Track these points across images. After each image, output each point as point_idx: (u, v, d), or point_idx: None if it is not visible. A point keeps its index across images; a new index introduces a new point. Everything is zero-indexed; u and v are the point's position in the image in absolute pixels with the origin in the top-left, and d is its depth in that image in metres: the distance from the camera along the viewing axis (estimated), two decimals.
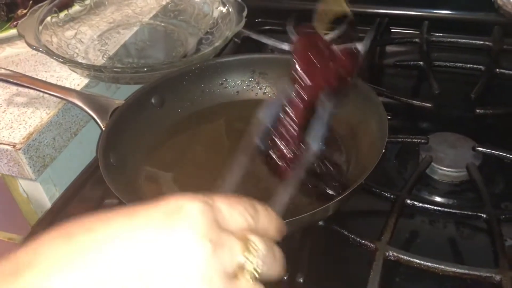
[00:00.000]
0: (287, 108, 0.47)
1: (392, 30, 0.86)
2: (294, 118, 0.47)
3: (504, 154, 0.58)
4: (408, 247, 0.53)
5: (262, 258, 0.28)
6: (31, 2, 0.81)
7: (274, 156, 0.48)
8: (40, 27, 0.75)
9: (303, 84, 0.47)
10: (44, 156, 0.67)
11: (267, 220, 0.30)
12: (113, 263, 0.25)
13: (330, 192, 0.50)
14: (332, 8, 0.57)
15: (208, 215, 0.27)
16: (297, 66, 0.47)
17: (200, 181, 0.55)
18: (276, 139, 0.47)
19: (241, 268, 0.27)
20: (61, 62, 0.70)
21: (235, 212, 0.29)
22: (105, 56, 0.78)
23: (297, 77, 0.47)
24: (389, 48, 0.85)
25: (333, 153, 0.52)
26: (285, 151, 0.47)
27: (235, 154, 0.43)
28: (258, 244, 0.28)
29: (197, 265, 0.26)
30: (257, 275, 0.27)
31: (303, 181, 0.46)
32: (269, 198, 0.38)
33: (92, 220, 0.27)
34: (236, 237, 0.28)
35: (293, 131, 0.46)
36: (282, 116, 0.47)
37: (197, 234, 0.26)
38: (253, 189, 0.51)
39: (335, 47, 0.49)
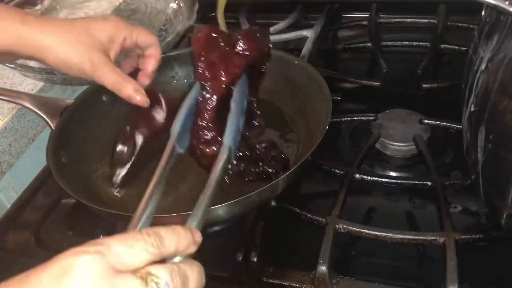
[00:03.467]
0: (199, 108, 0.48)
1: (343, 15, 0.87)
2: (205, 118, 0.48)
3: (449, 124, 0.60)
4: (366, 222, 0.54)
5: (166, 285, 0.29)
6: None
7: (200, 156, 0.49)
8: None
9: (207, 82, 0.48)
10: (0, 163, 0.66)
11: (175, 241, 0.31)
12: None
13: (271, 170, 0.51)
14: None
15: (98, 266, 0.27)
16: (197, 68, 0.48)
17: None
18: (194, 141, 0.48)
19: None
20: (12, 67, 0.69)
21: (134, 250, 0.29)
22: None
23: (200, 78, 0.48)
24: (342, 33, 0.86)
25: (262, 135, 0.53)
26: (204, 150, 0.48)
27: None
28: (160, 273, 0.29)
29: None
30: None
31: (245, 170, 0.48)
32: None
33: None
34: (135, 276, 0.28)
35: (206, 130, 0.48)
36: (196, 118, 0.48)
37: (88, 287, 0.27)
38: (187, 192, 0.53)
39: (237, 37, 0.50)
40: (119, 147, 0.55)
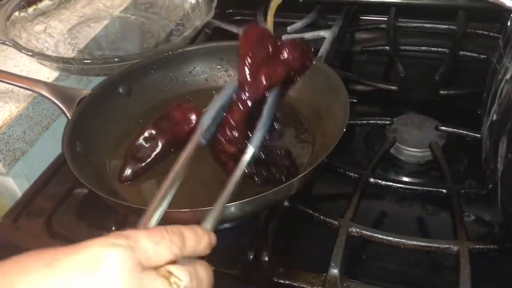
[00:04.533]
0: (232, 107, 0.49)
1: (361, 17, 0.87)
2: (235, 118, 0.48)
3: (466, 132, 0.60)
4: (378, 226, 0.54)
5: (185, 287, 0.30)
6: None
7: (220, 151, 0.49)
8: (8, 22, 0.75)
9: (246, 84, 0.48)
10: (14, 149, 0.66)
11: (195, 242, 0.32)
12: None
13: (279, 176, 0.51)
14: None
15: (129, 262, 0.28)
16: (241, 67, 0.48)
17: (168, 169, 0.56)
18: (220, 136, 0.49)
19: None
20: (30, 55, 0.70)
21: (160, 248, 0.30)
22: (75, 49, 0.78)
23: (241, 77, 0.48)
24: (359, 35, 0.86)
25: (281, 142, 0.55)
26: (227, 147, 0.49)
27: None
28: (181, 275, 0.30)
29: None
30: None
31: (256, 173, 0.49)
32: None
33: (12, 271, 0.27)
34: (159, 275, 0.29)
35: (234, 130, 0.48)
36: (226, 114, 0.49)
37: (118, 285, 0.27)
38: (201, 186, 0.53)
39: (283, 44, 0.50)
40: (139, 142, 0.55)
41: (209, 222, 0.37)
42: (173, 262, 0.31)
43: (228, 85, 0.50)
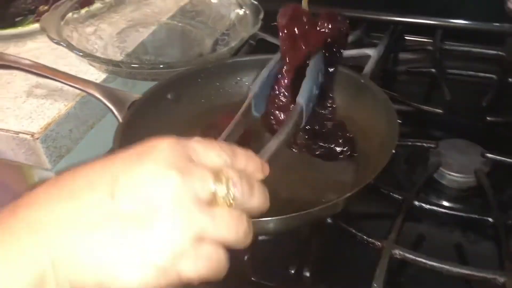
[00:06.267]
0: (278, 76, 0.53)
1: (406, 38, 0.87)
2: (281, 84, 0.53)
3: None
4: (416, 249, 0.53)
5: (235, 187, 0.30)
6: None
7: (270, 119, 0.54)
8: (62, 23, 0.77)
9: (287, 53, 0.52)
10: (60, 146, 0.68)
11: (246, 160, 0.33)
12: (92, 204, 0.29)
13: (338, 149, 0.55)
14: None
15: (177, 149, 0.30)
16: (280, 39, 0.52)
17: None
18: (270, 108, 0.54)
19: (215, 196, 0.29)
20: (81, 56, 0.72)
21: (211, 152, 0.31)
22: (123, 53, 0.80)
23: (282, 47, 0.53)
24: (403, 56, 0.86)
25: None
26: (277, 116, 0.53)
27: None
28: (231, 173, 0.30)
29: (166, 192, 0.28)
30: (231, 202, 0.30)
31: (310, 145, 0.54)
32: None
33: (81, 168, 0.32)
34: (208, 170, 0.30)
35: (282, 97, 0.53)
36: (273, 84, 0.53)
37: (163, 164, 0.29)
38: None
39: (319, 18, 0.54)
40: None
41: (262, 155, 0.38)
42: None
43: (273, 59, 0.54)
